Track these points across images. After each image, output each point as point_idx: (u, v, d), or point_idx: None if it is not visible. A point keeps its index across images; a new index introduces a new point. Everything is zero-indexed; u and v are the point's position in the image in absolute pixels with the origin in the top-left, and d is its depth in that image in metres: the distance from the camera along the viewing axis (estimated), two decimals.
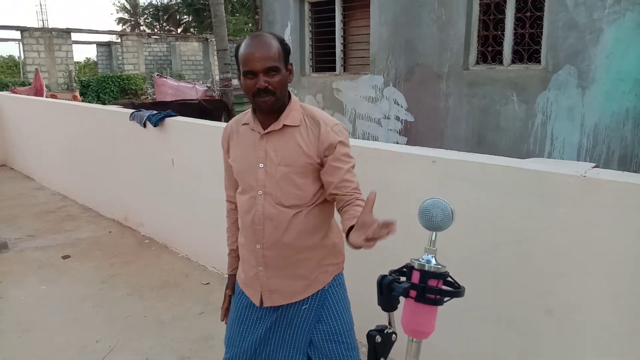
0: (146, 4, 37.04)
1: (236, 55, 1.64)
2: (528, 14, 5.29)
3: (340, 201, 1.65)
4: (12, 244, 4.86)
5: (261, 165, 1.69)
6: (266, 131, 1.69)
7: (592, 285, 2.08)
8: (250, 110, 1.77)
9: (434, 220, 1.18)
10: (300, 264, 1.76)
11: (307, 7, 7.40)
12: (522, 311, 2.31)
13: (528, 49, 5.35)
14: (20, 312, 3.58)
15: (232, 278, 2.00)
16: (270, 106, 1.64)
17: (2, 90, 11.35)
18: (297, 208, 1.70)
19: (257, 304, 1.81)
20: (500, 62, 5.52)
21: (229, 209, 2.00)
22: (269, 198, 1.69)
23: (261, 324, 1.83)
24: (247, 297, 1.86)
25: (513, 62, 5.45)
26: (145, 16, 37.13)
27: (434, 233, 1.21)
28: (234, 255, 2.00)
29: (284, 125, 1.68)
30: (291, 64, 1.68)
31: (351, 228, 1.42)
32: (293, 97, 1.74)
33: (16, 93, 9.28)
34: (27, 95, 9.11)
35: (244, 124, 1.78)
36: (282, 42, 1.64)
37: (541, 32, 5.19)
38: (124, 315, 3.52)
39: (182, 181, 4.39)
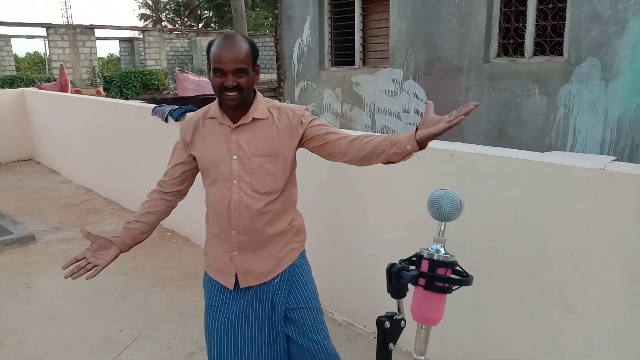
0: None
1: (208, 51, 1.73)
2: (550, 5, 5.21)
3: (349, 142, 1.75)
4: (38, 235, 5.01)
5: (234, 157, 1.79)
6: (237, 125, 1.79)
7: (611, 280, 2.06)
8: (213, 105, 1.86)
9: (443, 211, 1.21)
10: (270, 245, 1.89)
11: (326, 1, 7.40)
12: (540, 306, 2.30)
13: (550, 41, 5.27)
14: (47, 301, 3.69)
15: (122, 240, 1.91)
16: (236, 103, 1.74)
17: (29, 86, 11.62)
18: (271, 195, 1.83)
19: (232, 287, 1.89)
20: (522, 55, 5.45)
21: (159, 191, 1.95)
22: (244, 186, 1.80)
23: (235, 305, 1.91)
24: (218, 284, 1.93)
25: (535, 54, 5.38)
26: (167, 12, 37.53)
27: (443, 223, 1.24)
28: (131, 228, 1.90)
29: (254, 119, 1.80)
30: (258, 66, 1.79)
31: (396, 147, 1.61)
32: (258, 93, 1.85)
33: (42, 89, 9.50)
34: (53, 91, 9.32)
35: (210, 117, 1.85)
36: (252, 45, 1.74)
37: (563, 24, 5.10)
38: (147, 306, 3.60)
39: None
